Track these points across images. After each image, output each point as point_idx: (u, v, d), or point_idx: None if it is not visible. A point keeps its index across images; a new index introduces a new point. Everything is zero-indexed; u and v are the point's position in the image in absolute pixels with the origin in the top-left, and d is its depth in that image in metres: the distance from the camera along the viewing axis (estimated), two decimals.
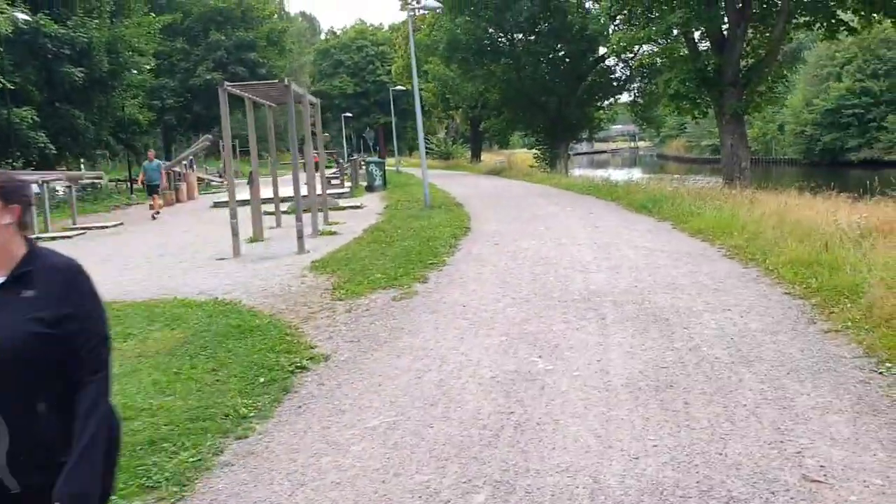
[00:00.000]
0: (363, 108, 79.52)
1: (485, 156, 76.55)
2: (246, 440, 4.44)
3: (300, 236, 11.81)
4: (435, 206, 17.31)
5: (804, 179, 48.78)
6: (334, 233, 13.76)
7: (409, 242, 11.43)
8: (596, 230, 12.27)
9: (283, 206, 18.55)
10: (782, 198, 14.21)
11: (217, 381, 5.48)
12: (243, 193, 22.88)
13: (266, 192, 19.64)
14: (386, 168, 29.11)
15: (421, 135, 18.36)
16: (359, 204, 19.79)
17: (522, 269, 8.98)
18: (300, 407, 4.94)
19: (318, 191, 18.58)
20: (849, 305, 6.16)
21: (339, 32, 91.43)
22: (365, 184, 26.97)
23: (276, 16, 50.85)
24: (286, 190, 20.95)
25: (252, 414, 4.81)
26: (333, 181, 27.12)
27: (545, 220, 14.01)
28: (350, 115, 65.23)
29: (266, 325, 6.96)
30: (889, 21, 18.90)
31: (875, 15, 18.96)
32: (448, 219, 14.60)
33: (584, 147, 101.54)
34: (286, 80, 11.59)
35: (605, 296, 7.27)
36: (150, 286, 9.62)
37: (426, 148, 63.68)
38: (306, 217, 13.24)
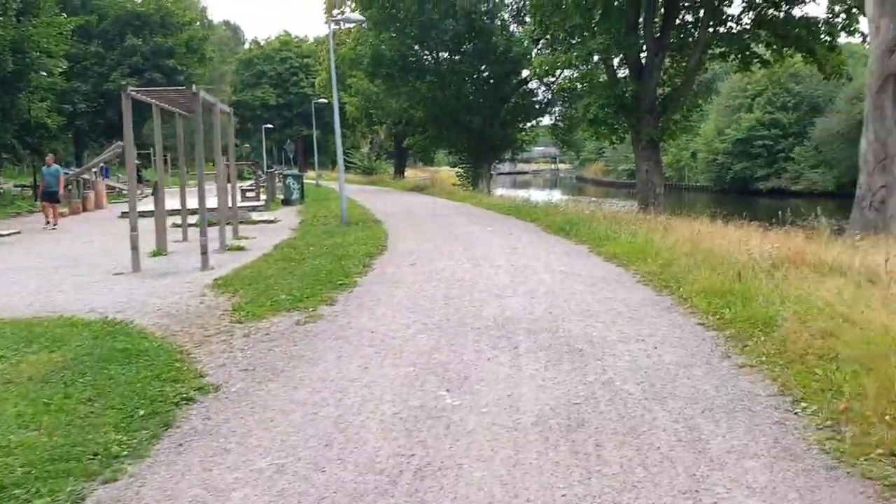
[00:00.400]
0: (286, 119, 78.28)
1: (409, 172, 76.39)
2: (114, 484, 3.92)
3: (204, 252, 11.17)
4: (352, 223, 16.86)
5: (715, 206, 50.41)
6: (242, 248, 13.14)
7: (321, 261, 10.96)
8: (514, 252, 12.09)
9: (193, 219, 17.77)
10: (695, 225, 14.42)
11: (91, 413, 4.91)
12: (151, 204, 21.88)
13: (176, 202, 18.79)
14: (305, 182, 28.46)
15: (339, 149, 17.90)
16: (272, 218, 19.13)
17: (437, 292, 8.65)
18: (181, 445, 4.43)
19: (230, 203, 17.87)
20: (763, 339, 6.07)
21: (263, 43, 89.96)
22: (282, 197, 26.26)
23: (196, 23, 49.35)
24: (196, 202, 20.16)
25: (125, 453, 4.28)
26: (249, 194, 26.28)
27: (464, 240, 13.77)
28: (271, 126, 63.97)
29: (155, 348, 6.39)
30: (799, 55, 19.64)
31: (786, 49, 19.69)
32: (365, 236, 14.19)
33: (507, 167, 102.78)
34: (195, 88, 10.99)
35: (519, 322, 7.01)
36: (37, 302, 8.84)
37: (349, 163, 63.29)
38: (213, 231, 12.60)
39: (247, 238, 14.95)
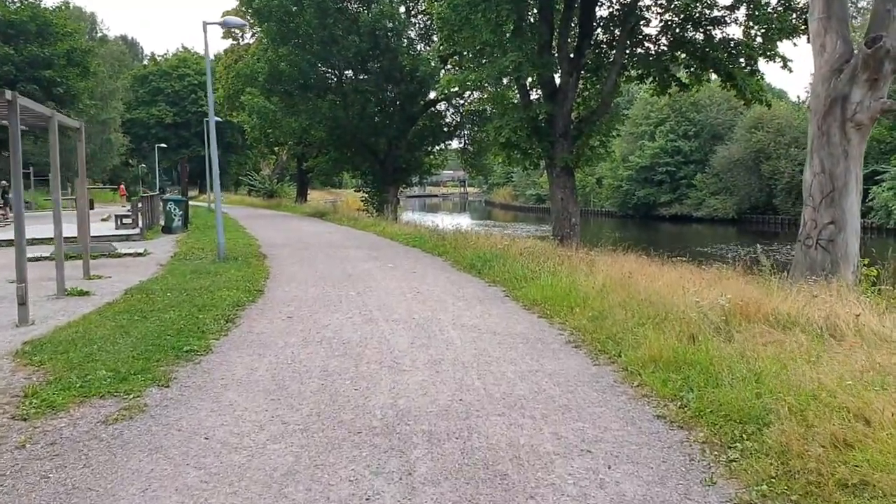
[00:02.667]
0: (183, 139, 74.26)
1: (316, 194, 73.64)
2: None
3: (22, 302, 8.73)
4: (231, 258, 14.54)
5: (622, 231, 50.48)
6: (86, 293, 10.68)
7: (174, 313, 8.72)
8: (417, 298, 10.18)
9: (45, 250, 15.15)
10: (621, 262, 12.93)
11: None
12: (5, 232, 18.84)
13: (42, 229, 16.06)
14: (190, 206, 25.78)
15: (216, 171, 15.57)
16: (142, 250, 16.55)
17: (313, 364, 6.61)
18: None
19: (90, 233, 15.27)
20: (753, 449, 4.35)
21: (160, 59, 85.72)
22: (163, 224, 23.52)
23: (79, 34, 45.45)
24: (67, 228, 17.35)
25: None
26: (126, 220, 23.39)
27: (359, 282, 11.77)
28: (165, 145, 60.13)
29: None
30: (717, 77, 18.73)
31: (704, 72, 18.76)
32: (240, 277, 11.96)
33: (416, 190, 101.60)
34: (8, 94, 8.60)
35: (417, 421, 5.06)
36: None
37: (250, 185, 60.04)
38: (45, 271, 10.12)
39: (100, 277, 12.46)
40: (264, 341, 7.56)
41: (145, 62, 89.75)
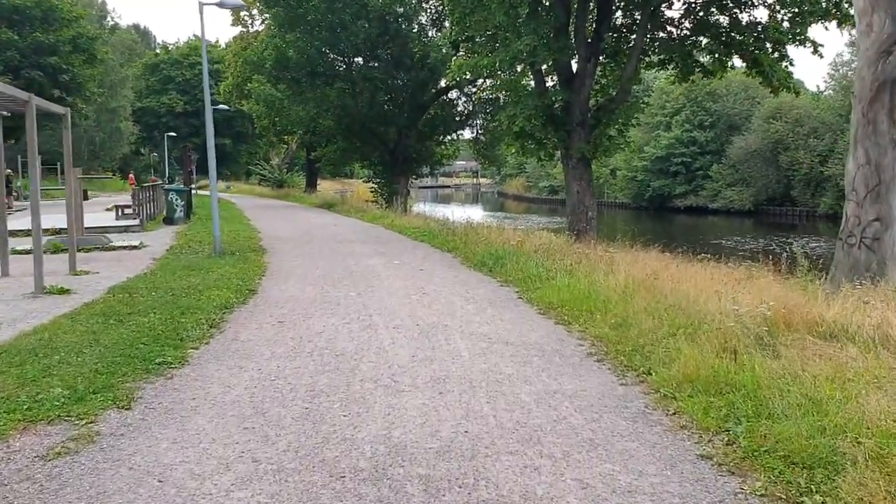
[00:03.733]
0: (193, 128, 73.65)
1: (326, 184, 72.80)
2: None
3: None
4: (229, 253, 13.76)
5: (636, 223, 49.56)
6: (66, 291, 9.91)
7: (154, 317, 7.93)
8: (422, 300, 9.35)
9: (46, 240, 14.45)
10: (643, 261, 12.05)
11: None
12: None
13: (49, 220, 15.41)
14: (198, 196, 25.05)
15: (212, 160, 14.77)
16: (138, 243, 15.80)
17: (298, 382, 5.80)
18: None
19: (82, 224, 14.58)
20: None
21: (171, 47, 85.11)
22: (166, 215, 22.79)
23: (85, 20, 44.72)
24: (55, 220, 16.66)
25: None
26: (127, 210, 22.70)
27: (362, 280, 10.95)
28: (174, 134, 59.47)
29: None
30: (742, 63, 17.72)
31: (728, 58, 17.77)
32: (234, 274, 11.18)
33: (428, 181, 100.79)
34: None
35: (413, 461, 4.23)
36: None
37: (259, 174, 59.41)
38: (56, 261, 9.39)
39: (87, 273, 11.71)
40: (248, 351, 6.76)
41: (157, 51, 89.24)
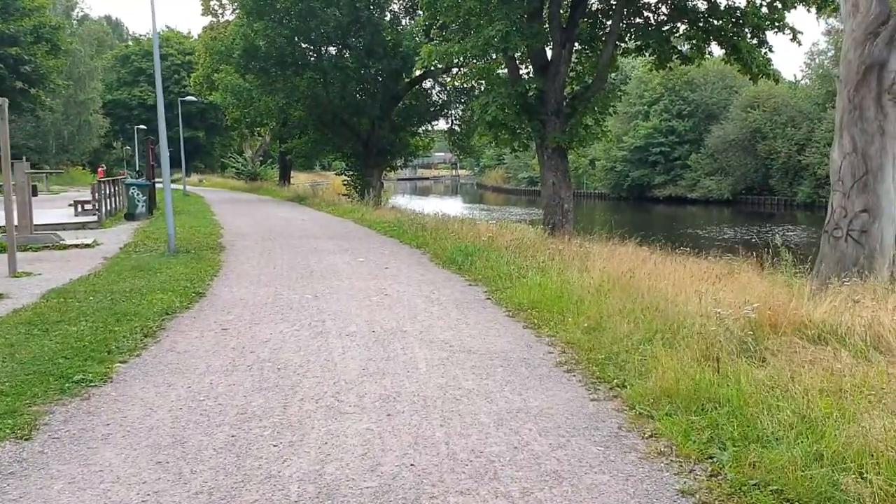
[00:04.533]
0: (165, 120, 72.15)
1: (303, 177, 71.64)
2: None
3: None
4: (182, 251, 13.01)
5: (615, 213, 49.16)
6: (0, 296, 9.16)
7: (84, 325, 7.22)
8: (383, 302, 8.72)
9: None
10: (620, 256, 11.49)
11: None
12: None
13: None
14: (157, 190, 24.08)
15: (165, 150, 13.99)
16: (91, 241, 14.99)
17: (230, 402, 5.14)
18: None
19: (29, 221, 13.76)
20: None
21: (142, 38, 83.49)
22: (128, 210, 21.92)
23: (48, 10, 43.41)
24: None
25: None
26: (88, 206, 21.79)
27: (321, 280, 10.28)
28: (144, 127, 58.10)
29: None
30: (721, 50, 17.20)
31: (707, 44, 17.24)
32: (185, 273, 10.46)
33: (407, 173, 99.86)
34: None
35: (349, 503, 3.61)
36: None
37: (232, 167, 58.29)
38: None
39: (28, 275, 10.93)
40: (182, 365, 6.08)
41: (129, 42, 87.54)
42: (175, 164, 68.09)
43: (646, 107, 59.37)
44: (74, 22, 67.77)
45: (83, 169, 61.58)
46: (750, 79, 17.17)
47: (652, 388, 5.10)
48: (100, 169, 52.05)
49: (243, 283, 10.06)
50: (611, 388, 5.35)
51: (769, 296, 7.28)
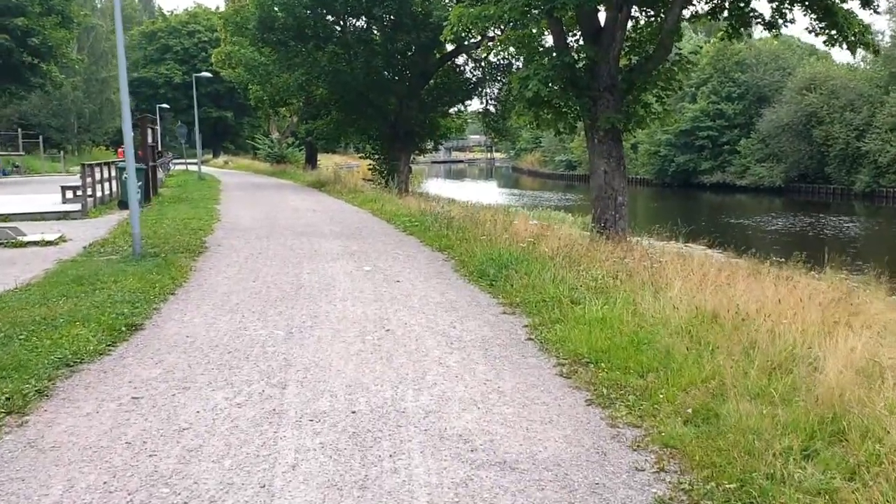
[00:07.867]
0: (192, 99, 70.46)
1: (339, 159, 69.12)
2: None
3: None
4: (151, 254, 10.53)
5: (660, 201, 46.01)
6: None
7: None
8: (381, 345, 6.17)
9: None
10: (699, 268, 8.82)
11: None
12: None
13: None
14: (160, 174, 21.88)
15: (128, 130, 11.55)
16: (56, 237, 12.67)
17: None
18: None
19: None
20: None
21: (168, 14, 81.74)
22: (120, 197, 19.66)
23: None
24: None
25: None
26: (79, 192, 19.55)
27: (306, 304, 7.76)
28: (167, 106, 56.11)
29: None
30: (809, 17, 14.22)
31: (791, 6, 14.31)
32: (136, 289, 7.98)
33: (441, 156, 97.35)
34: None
35: None
36: None
37: (258, 149, 56.13)
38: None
39: None
40: (29, 479, 3.62)
41: (157, 18, 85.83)
42: (206, 144, 66.32)
43: (693, 88, 55.87)
44: None
45: (106, 149, 59.99)
46: (848, 48, 14.15)
47: None
48: (120, 150, 50.27)
49: (204, 306, 7.57)
50: None
51: None
